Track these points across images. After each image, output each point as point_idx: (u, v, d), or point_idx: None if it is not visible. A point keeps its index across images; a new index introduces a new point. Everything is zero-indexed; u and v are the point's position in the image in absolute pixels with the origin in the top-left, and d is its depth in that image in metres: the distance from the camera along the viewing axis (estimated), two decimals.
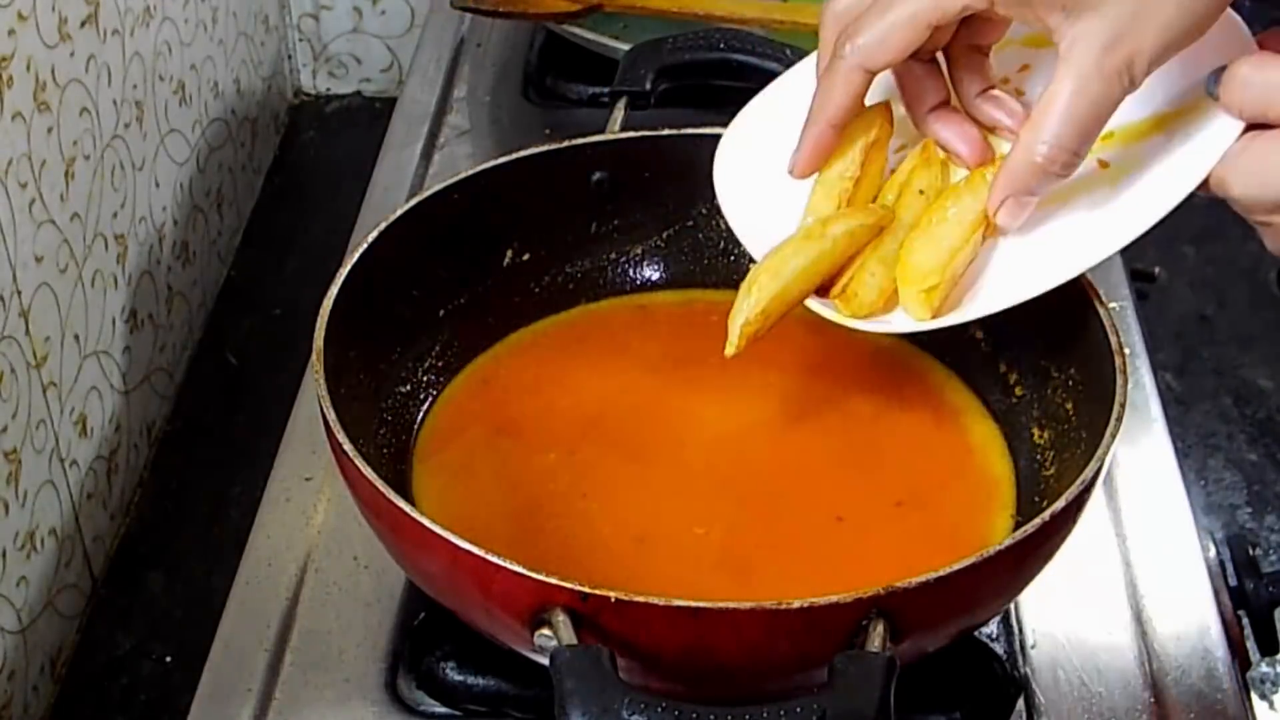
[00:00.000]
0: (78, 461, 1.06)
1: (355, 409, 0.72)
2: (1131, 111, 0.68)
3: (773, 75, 0.83)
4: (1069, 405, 0.74)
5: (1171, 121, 0.68)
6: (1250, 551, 0.80)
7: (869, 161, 0.72)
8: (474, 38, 1.21)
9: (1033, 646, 0.75)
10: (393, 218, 0.78)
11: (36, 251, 0.99)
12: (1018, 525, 0.73)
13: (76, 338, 1.06)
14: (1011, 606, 0.77)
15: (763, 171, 0.75)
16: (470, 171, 0.81)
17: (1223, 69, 0.64)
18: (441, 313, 0.81)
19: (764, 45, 0.93)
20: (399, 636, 0.76)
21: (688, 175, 0.82)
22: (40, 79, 0.99)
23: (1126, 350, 0.71)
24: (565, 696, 0.56)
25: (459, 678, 0.74)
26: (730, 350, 0.71)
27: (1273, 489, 1.29)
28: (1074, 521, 0.66)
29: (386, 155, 1.08)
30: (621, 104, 0.89)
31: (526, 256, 0.84)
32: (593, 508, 0.74)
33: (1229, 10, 0.66)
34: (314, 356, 0.70)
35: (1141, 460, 0.85)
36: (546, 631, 0.59)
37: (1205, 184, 0.65)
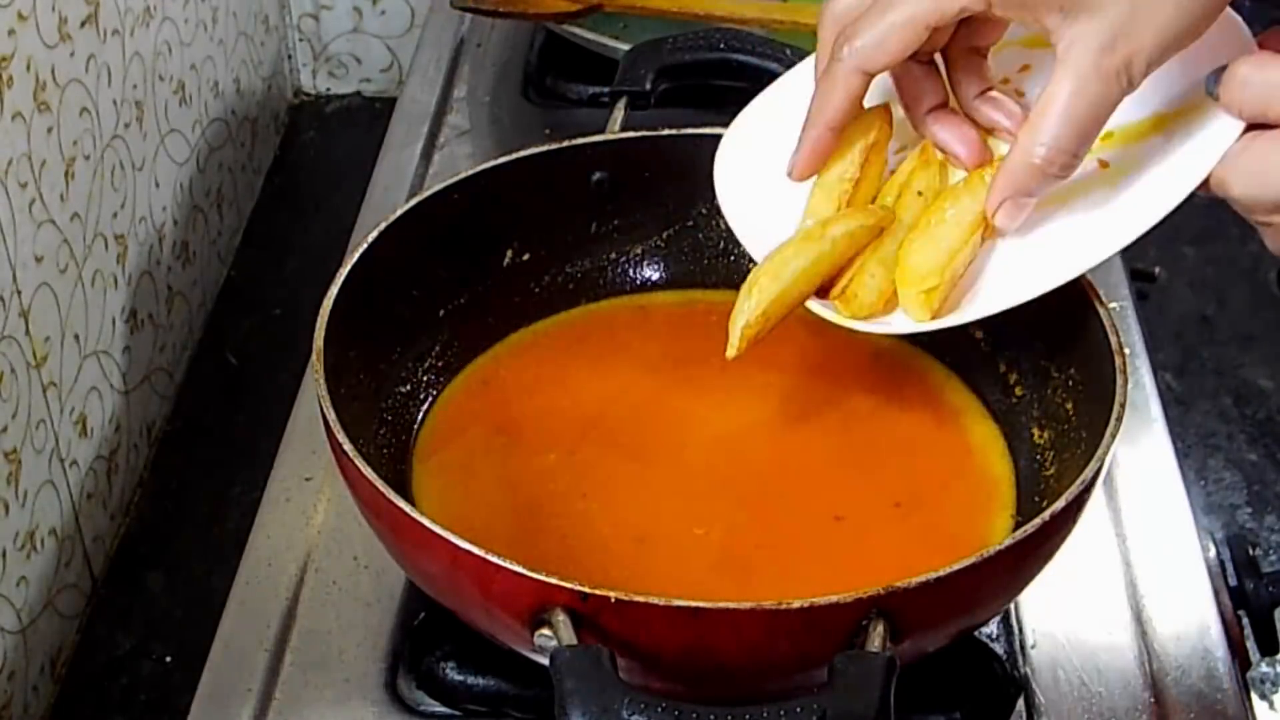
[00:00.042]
0: (78, 461, 1.06)
1: (355, 409, 0.72)
2: (1131, 112, 0.68)
3: (773, 75, 0.83)
4: (1069, 405, 0.74)
5: (1171, 122, 0.68)
6: (1250, 551, 0.80)
7: (868, 163, 0.72)
8: (474, 38, 1.21)
9: (1033, 646, 0.75)
10: (393, 218, 0.78)
11: (36, 251, 0.99)
12: (1018, 525, 0.73)
13: (76, 338, 1.06)
14: (1011, 606, 0.76)
15: (763, 173, 0.75)
16: (470, 171, 0.81)
17: (1223, 69, 0.64)
18: (441, 313, 0.81)
19: (764, 45, 0.93)
20: (399, 636, 0.76)
21: (688, 175, 0.82)
22: (40, 79, 0.99)
23: (1126, 350, 0.71)
24: (565, 696, 0.56)
25: (459, 678, 0.74)
26: (731, 352, 0.71)
27: (1273, 489, 1.29)
28: (1074, 521, 0.66)
29: (386, 155, 1.08)
30: (621, 104, 0.89)
31: (526, 256, 0.84)
32: (593, 508, 0.74)
33: (1229, 10, 0.66)
34: (314, 356, 0.70)
35: (1141, 460, 0.85)
36: (546, 631, 0.59)
37: (1205, 184, 0.65)
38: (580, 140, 0.83)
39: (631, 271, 0.87)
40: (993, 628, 0.76)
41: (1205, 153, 0.65)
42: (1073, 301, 0.72)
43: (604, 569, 0.70)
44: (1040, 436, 0.76)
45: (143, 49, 1.17)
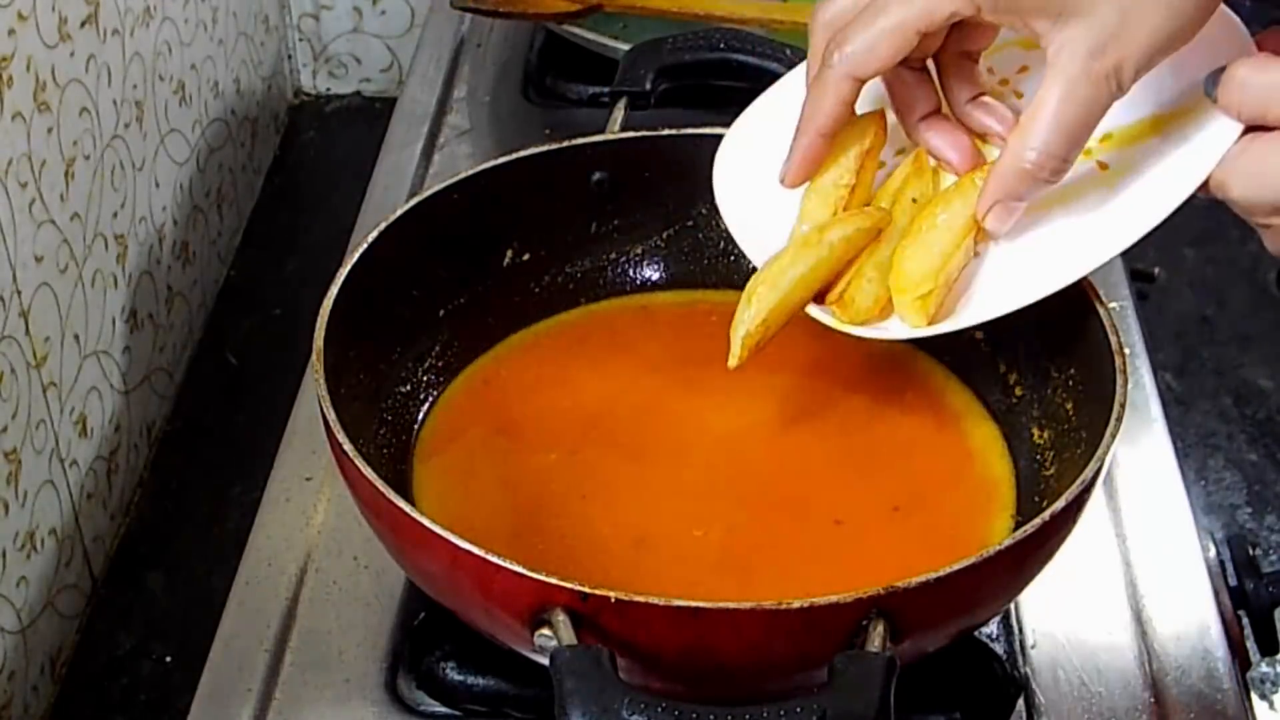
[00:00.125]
0: (78, 461, 1.06)
1: (355, 409, 0.72)
2: (1129, 113, 0.68)
3: (773, 75, 0.83)
4: (1069, 405, 0.74)
5: (1170, 123, 0.68)
6: (1250, 551, 0.80)
7: (863, 169, 0.72)
8: (474, 38, 1.21)
9: (1033, 646, 0.75)
10: (393, 218, 0.78)
11: (36, 251, 0.99)
12: (1018, 526, 0.73)
13: (76, 338, 1.06)
14: (1011, 606, 0.77)
15: (762, 176, 0.75)
16: (470, 171, 0.81)
17: (1221, 70, 0.64)
18: (441, 313, 0.81)
19: (764, 45, 0.93)
20: (399, 636, 0.76)
21: (688, 175, 0.82)
22: (40, 79, 0.99)
23: (1126, 350, 0.71)
24: (565, 696, 0.56)
25: (459, 678, 0.74)
26: (733, 362, 0.71)
27: (1273, 489, 1.29)
28: (1074, 521, 0.66)
29: (386, 155, 1.08)
30: (621, 104, 0.89)
31: (526, 257, 0.84)
32: (593, 508, 0.74)
33: (1228, 11, 0.66)
34: (314, 356, 0.70)
35: (1141, 460, 0.85)
36: (546, 631, 0.59)
37: (1204, 186, 0.65)
38: (580, 140, 0.83)
39: (632, 271, 0.87)
40: (993, 628, 0.76)
41: (1204, 155, 0.65)
42: (1073, 302, 0.72)
43: (604, 569, 0.70)
44: (1040, 436, 0.76)
45: (143, 49, 1.17)
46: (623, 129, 0.86)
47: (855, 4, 0.67)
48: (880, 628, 0.59)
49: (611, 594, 0.59)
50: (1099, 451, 0.66)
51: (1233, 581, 0.79)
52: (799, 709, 0.56)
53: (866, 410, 0.79)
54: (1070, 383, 0.75)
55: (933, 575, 0.60)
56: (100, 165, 1.09)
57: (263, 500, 0.83)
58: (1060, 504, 0.63)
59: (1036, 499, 0.74)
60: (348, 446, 0.66)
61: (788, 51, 0.91)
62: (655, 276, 0.87)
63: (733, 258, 0.85)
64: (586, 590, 0.59)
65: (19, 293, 0.97)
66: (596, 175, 0.84)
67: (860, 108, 0.70)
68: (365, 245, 0.76)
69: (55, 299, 1.02)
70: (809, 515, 0.74)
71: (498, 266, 0.84)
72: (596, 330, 0.85)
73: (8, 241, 0.95)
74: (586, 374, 0.82)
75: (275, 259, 1.38)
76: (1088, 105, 0.63)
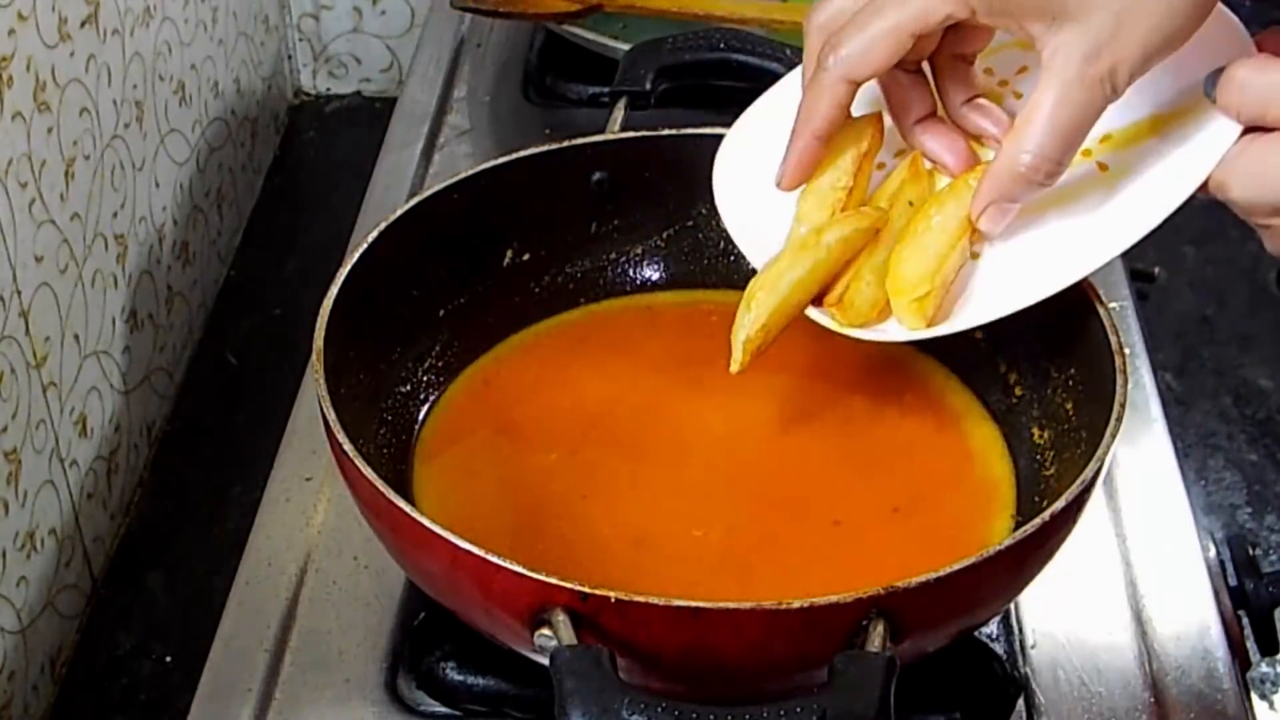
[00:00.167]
0: (78, 461, 1.06)
1: (355, 409, 0.72)
2: (1129, 114, 0.68)
3: (773, 75, 0.83)
4: (1069, 405, 0.74)
5: (1169, 124, 0.68)
6: (1250, 551, 0.80)
7: (860, 172, 0.72)
8: (474, 38, 1.21)
9: (1033, 646, 0.75)
10: (393, 218, 0.78)
11: (36, 251, 0.99)
12: (1018, 526, 0.73)
13: (76, 338, 1.06)
14: (1011, 606, 0.77)
15: (762, 177, 0.75)
16: (470, 171, 0.81)
17: (1221, 71, 0.64)
18: (441, 313, 0.81)
19: (764, 45, 0.93)
20: (399, 636, 0.76)
21: (688, 175, 0.82)
22: (40, 79, 0.99)
23: (1126, 350, 0.71)
24: (565, 696, 0.56)
25: (459, 678, 0.74)
26: (735, 367, 0.71)
27: (1273, 489, 1.29)
28: (1074, 521, 0.66)
29: (386, 155, 1.08)
30: (621, 104, 0.89)
31: (526, 256, 0.84)
32: (593, 508, 0.74)
33: (1227, 11, 0.66)
34: (314, 356, 0.70)
35: (1141, 460, 0.85)
36: (546, 631, 0.59)
37: (1204, 186, 0.65)
38: (580, 140, 0.83)
39: (632, 272, 0.87)
40: (993, 628, 0.76)
41: (1204, 155, 0.65)
42: (1073, 302, 0.72)
43: (604, 569, 0.70)
44: (1040, 436, 0.76)
45: (143, 49, 1.17)
46: (623, 129, 0.86)
47: (850, 7, 0.67)
48: (880, 628, 0.59)
49: (611, 594, 0.59)
50: (1099, 451, 0.66)
51: (1233, 581, 0.79)
52: (799, 709, 0.56)
53: (866, 410, 0.79)
54: (1070, 383, 0.75)
55: (933, 575, 0.60)
56: (100, 165, 1.09)
57: (263, 500, 0.83)
58: (1060, 504, 0.63)
59: (1036, 499, 0.74)
60: (348, 446, 0.66)
61: (788, 51, 0.91)
62: (655, 276, 0.87)
63: (733, 258, 0.85)
64: (586, 590, 0.59)
65: (19, 293, 0.97)
66: (596, 175, 0.84)
67: (856, 110, 0.70)
68: (365, 245, 0.76)
69: (55, 299, 1.02)
70: (809, 515, 0.74)
71: (498, 266, 0.84)
72: (597, 330, 0.85)
73: (8, 241, 0.95)
74: (587, 374, 0.82)
75: (275, 259, 1.38)
76: (1082, 109, 0.63)
